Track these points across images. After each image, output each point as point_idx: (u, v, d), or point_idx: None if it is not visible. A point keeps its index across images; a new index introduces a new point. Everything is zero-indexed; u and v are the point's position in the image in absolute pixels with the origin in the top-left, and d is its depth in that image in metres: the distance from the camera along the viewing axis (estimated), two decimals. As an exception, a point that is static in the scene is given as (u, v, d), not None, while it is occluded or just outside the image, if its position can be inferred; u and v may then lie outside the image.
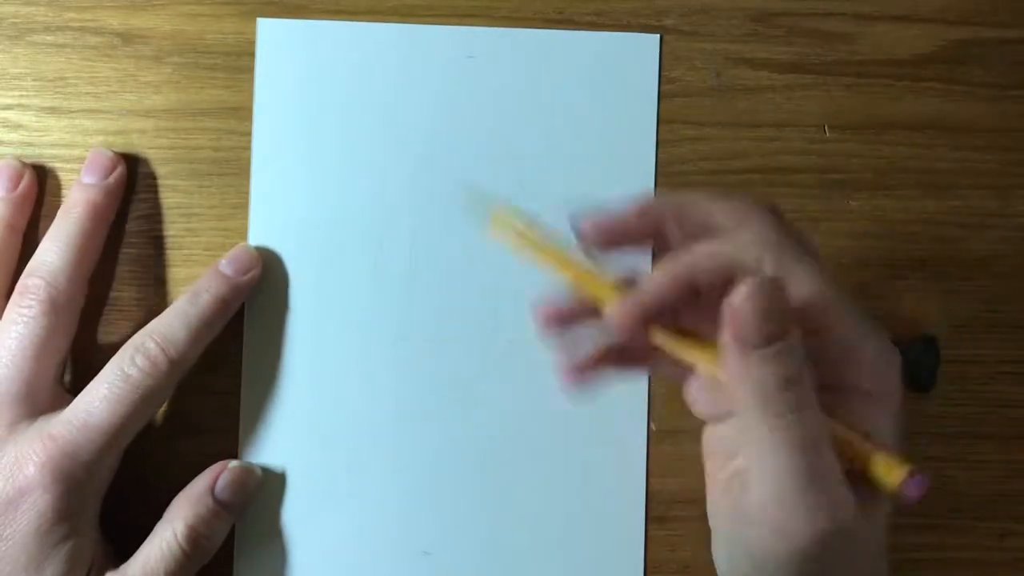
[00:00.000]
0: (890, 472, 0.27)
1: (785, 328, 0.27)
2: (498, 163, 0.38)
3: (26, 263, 0.36)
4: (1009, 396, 0.39)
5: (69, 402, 0.34)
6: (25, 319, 0.34)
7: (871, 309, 0.38)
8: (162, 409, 0.37)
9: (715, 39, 0.39)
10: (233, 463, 0.36)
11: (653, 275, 0.29)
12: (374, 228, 0.38)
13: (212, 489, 0.35)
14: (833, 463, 0.27)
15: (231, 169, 0.38)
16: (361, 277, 0.38)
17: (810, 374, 0.27)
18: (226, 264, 0.36)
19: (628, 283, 0.30)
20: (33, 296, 0.34)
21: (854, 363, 0.29)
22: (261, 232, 0.38)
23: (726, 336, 0.27)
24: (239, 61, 0.38)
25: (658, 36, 0.38)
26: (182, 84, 0.38)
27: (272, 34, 0.38)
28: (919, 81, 0.39)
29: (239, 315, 0.37)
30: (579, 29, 0.38)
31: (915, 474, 0.27)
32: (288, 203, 0.38)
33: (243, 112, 0.38)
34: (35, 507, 0.32)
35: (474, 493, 0.38)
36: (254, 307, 0.38)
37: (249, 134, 0.38)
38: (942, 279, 0.39)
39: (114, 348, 0.36)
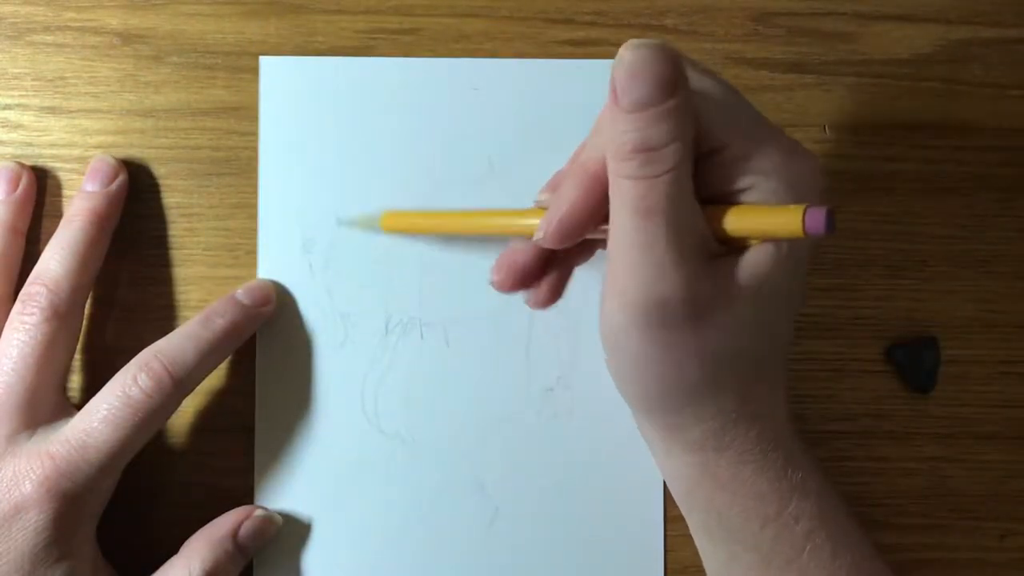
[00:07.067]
0: (787, 215, 0.26)
1: (658, 96, 0.26)
2: (505, 193, 0.38)
3: (27, 267, 0.36)
4: (1009, 396, 0.39)
5: (70, 412, 0.34)
6: (27, 327, 0.34)
7: (870, 309, 0.38)
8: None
9: (715, 39, 0.39)
10: (258, 511, 0.36)
11: (562, 189, 0.29)
12: (384, 262, 0.38)
13: (234, 534, 0.35)
14: (668, 236, 0.26)
15: (231, 169, 0.38)
16: (371, 308, 0.38)
17: (683, 148, 0.26)
18: (243, 294, 0.36)
19: (544, 203, 0.31)
20: (35, 304, 0.34)
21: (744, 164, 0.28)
22: (271, 268, 0.38)
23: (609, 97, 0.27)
24: (239, 61, 0.38)
25: None
26: (182, 84, 0.38)
27: (275, 72, 0.38)
28: (919, 81, 0.39)
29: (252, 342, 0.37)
30: (579, 28, 0.38)
31: (810, 209, 0.26)
32: (296, 240, 0.38)
33: (243, 112, 0.38)
34: (30, 525, 0.32)
35: (494, 521, 0.37)
36: (266, 341, 0.37)
37: (249, 134, 0.38)
38: (942, 279, 0.39)
39: (111, 349, 0.36)
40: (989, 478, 0.38)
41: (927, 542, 0.38)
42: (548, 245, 0.30)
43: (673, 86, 0.26)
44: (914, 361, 0.38)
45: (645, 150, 0.26)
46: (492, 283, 0.32)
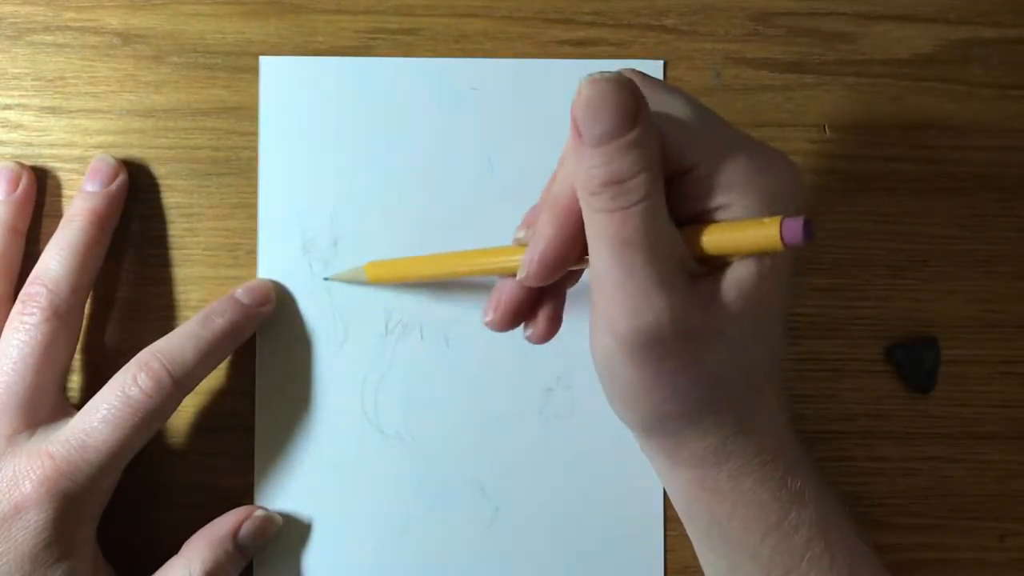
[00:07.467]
0: (764, 229, 0.26)
1: (621, 128, 0.26)
2: (504, 193, 0.38)
3: (27, 267, 0.36)
4: (1009, 396, 0.39)
5: (70, 412, 0.34)
6: (27, 327, 0.34)
7: (870, 309, 0.38)
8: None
9: (715, 39, 0.39)
10: (258, 511, 0.36)
11: (538, 226, 0.29)
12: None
13: (234, 534, 0.35)
14: (649, 266, 0.26)
15: (231, 169, 0.38)
16: (371, 308, 0.38)
17: (652, 176, 0.26)
18: (243, 293, 0.36)
19: (523, 240, 0.31)
20: (35, 304, 0.34)
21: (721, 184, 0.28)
22: (271, 268, 0.38)
23: (571, 130, 0.27)
24: (239, 61, 0.38)
25: (662, 62, 0.38)
26: (182, 84, 0.38)
27: (275, 72, 0.38)
28: (920, 81, 0.39)
29: (251, 343, 0.37)
30: (579, 28, 0.38)
31: (786, 220, 0.26)
32: (296, 240, 0.38)
33: (243, 112, 0.38)
34: (30, 525, 0.32)
35: (494, 521, 0.37)
36: (266, 341, 0.37)
37: (249, 134, 0.38)
38: (942, 279, 0.39)
39: (111, 349, 0.36)
40: (989, 478, 0.38)
41: (927, 542, 0.38)
42: (531, 283, 0.29)
43: (634, 116, 0.26)
44: (914, 361, 0.38)
45: (614, 183, 0.26)
46: (486, 324, 0.32)
